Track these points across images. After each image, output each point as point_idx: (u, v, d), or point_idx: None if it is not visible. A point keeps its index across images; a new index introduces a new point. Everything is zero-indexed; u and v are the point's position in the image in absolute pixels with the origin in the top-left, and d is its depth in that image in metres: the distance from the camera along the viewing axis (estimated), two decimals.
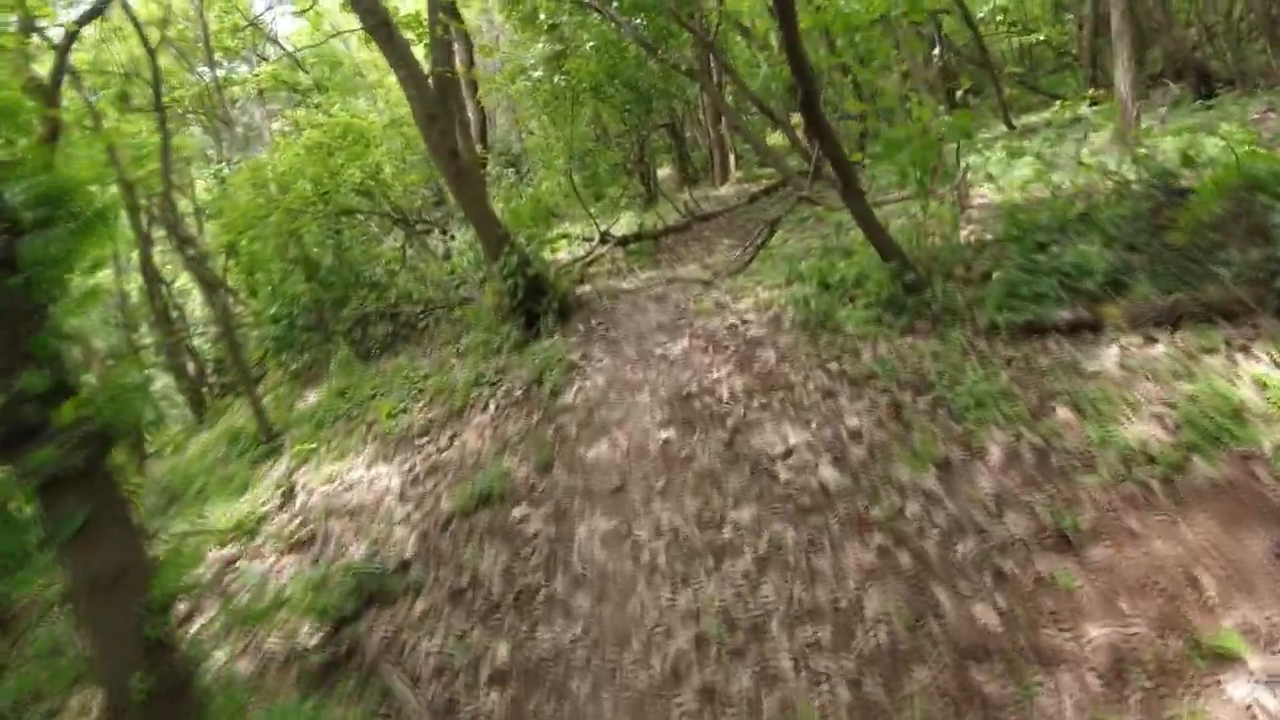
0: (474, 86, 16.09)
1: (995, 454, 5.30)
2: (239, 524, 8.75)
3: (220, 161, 19.02)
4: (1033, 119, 18.17)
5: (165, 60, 21.11)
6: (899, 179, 8.27)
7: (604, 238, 16.92)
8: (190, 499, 10.82)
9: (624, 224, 20.18)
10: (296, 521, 8.24)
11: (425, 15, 10.10)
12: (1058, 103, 18.90)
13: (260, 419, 11.61)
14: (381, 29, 8.91)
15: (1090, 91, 17.34)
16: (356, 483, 8.34)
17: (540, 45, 14.69)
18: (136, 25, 11.17)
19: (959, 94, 17.60)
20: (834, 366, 6.81)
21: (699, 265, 13.59)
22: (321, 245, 15.17)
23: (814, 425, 6.04)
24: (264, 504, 9.14)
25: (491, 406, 8.38)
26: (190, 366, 17.16)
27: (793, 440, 5.94)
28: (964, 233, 8.58)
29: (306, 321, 14.16)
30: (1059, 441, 5.27)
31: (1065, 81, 21.47)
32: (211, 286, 13.46)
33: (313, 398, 13.28)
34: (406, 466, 8.08)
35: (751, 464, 5.83)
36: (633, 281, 13.26)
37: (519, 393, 8.32)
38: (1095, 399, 5.55)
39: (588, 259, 16.14)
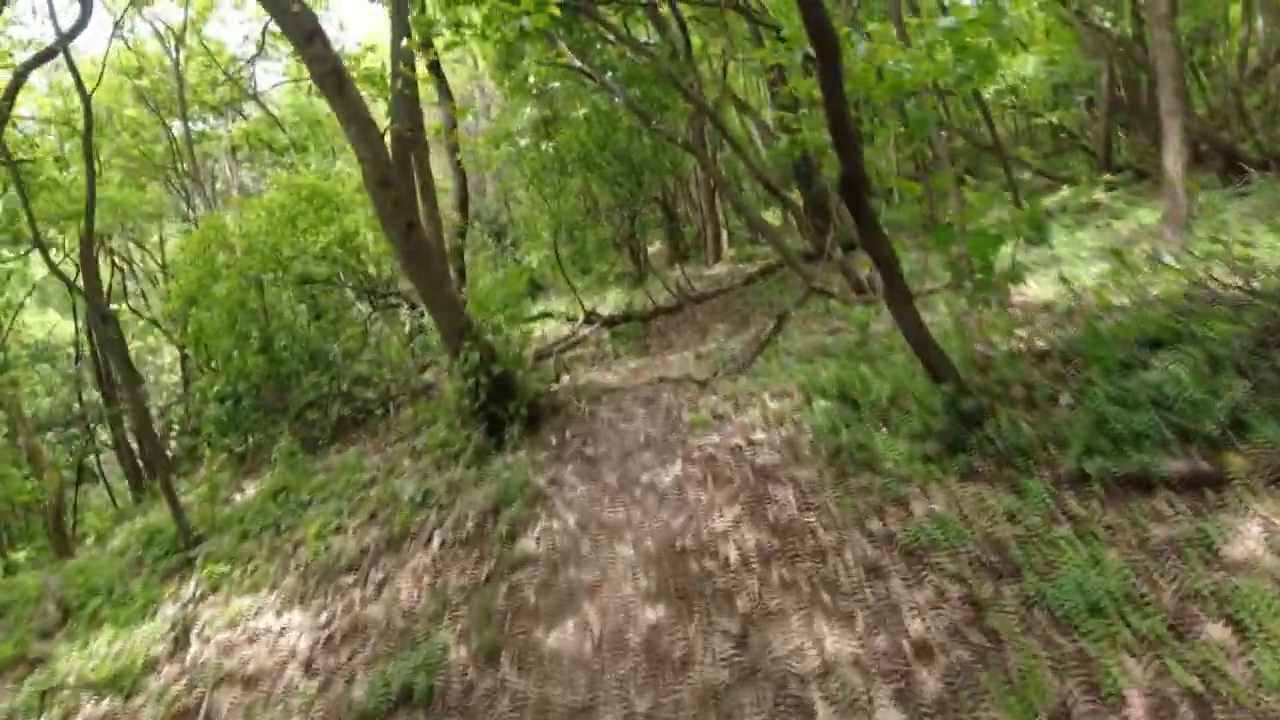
0: (455, 150, 14.56)
1: (1136, 703, 3.49)
2: (117, 675, 6.79)
3: (190, 221, 17.32)
4: (1042, 203, 16.79)
5: (137, 113, 19.62)
6: (949, 273, 6.60)
7: (589, 317, 15.24)
8: (83, 620, 8.81)
9: (611, 302, 18.56)
10: (183, 682, 6.30)
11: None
12: (1065, 187, 17.64)
13: (179, 521, 9.66)
14: (330, 78, 7.28)
15: (1105, 175, 15.98)
16: (262, 634, 6.42)
17: (528, 110, 13.20)
18: (74, 73, 9.47)
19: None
20: (877, 525, 5.02)
21: (692, 354, 11.91)
22: (278, 317, 13.41)
23: (860, 626, 4.21)
24: (157, 644, 7.19)
25: (436, 541, 6.53)
26: (133, 441, 15.18)
27: (831, 648, 4.11)
28: (1012, 340, 6.91)
29: (254, 401, 12.30)
30: (1221, 683, 3.48)
31: (1067, 164, 20.21)
32: (130, 369, 11.57)
33: (252, 490, 11.39)
34: (323, 619, 6.19)
35: (775, 686, 3.98)
36: (618, 372, 11.53)
37: (470, 525, 6.48)
38: (1255, 608, 3.78)
39: (569, 342, 14.42)
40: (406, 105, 8.32)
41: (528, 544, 5.86)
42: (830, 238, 10.67)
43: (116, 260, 18.00)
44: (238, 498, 11.56)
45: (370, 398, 11.55)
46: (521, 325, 9.33)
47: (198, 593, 8.19)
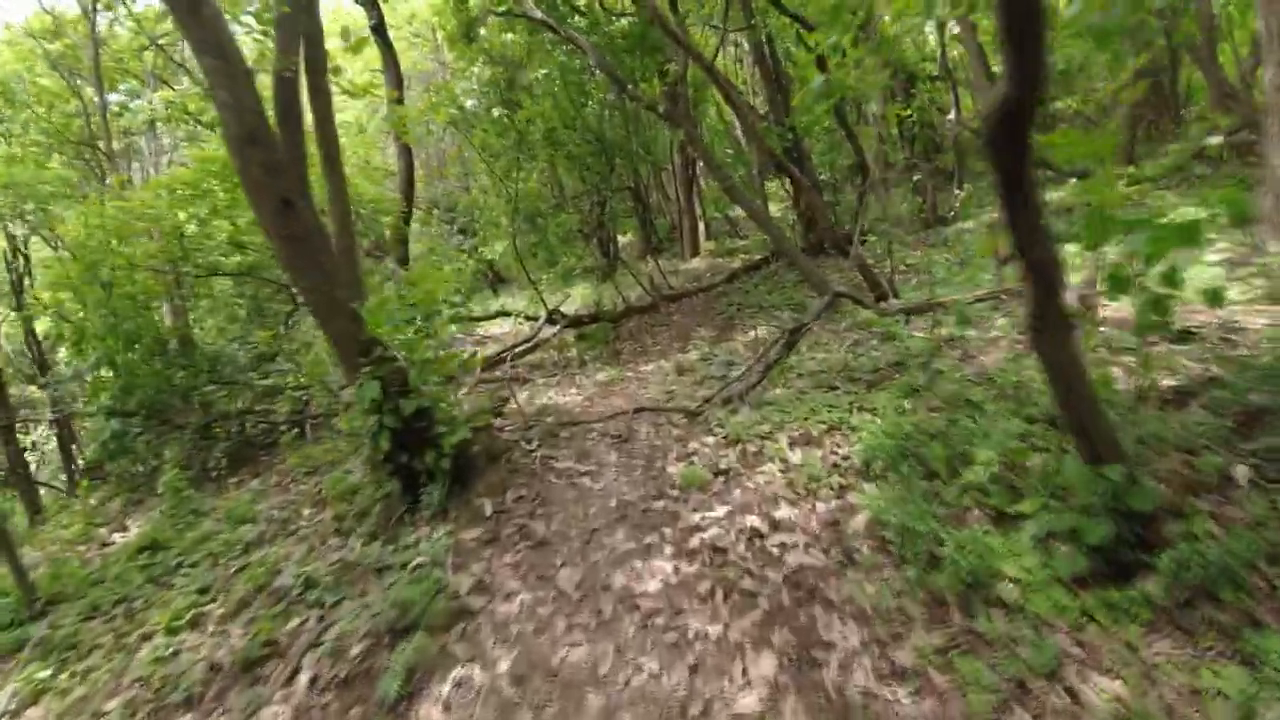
0: (403, 128, 12.07)
1: None
2: None
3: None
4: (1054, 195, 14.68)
5: (52, 82, 16.78)
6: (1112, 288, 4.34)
7: (552, 317, 12.84)
8: None
9: (578, 298, 16.13)
10: None
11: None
12: (1074, 179, 15.60)
13: (20, 584, 7.17)
14: None
15: (1129, 169, 13.90)
16: None
17: (477, 69, 10.73)
18: None
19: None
20: None
21: (671, 365, 9.59)
22: (180, 316, 10.87)
23: None
24: None
25: (304, 675, 4.14)
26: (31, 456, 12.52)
27: None
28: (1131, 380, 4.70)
29: (146, 418, 9.78)
30: None
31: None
32: None
33: (134, 533, 8.93)
34: None
35: None
36: (583, 386, 9.18)
37: (355, 652, 4.11)
38: None
39: (528, 345, 12.02)
40: (293, 31, 5.84)
41: (430, 714, 3.49)
42: (859, 228, 8.39)
43: (20, 248, 15.31)
44: (117, 539, 9.08)
45: (280, 417, 9.08)
46: (446, 338, 6.95)
47: (11, 705, 5.77)
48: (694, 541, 4.35)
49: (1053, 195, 13.62)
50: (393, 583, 4.53)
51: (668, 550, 4.35)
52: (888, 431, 4.68)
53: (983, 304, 7.34)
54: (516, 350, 11.99)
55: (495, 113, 10.73)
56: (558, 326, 12.58)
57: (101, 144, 15.36)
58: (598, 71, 13.01)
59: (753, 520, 4.41)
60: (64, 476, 13.13)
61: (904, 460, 4.37)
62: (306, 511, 6.87)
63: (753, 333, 10.37)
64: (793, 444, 5.31)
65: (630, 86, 9.30)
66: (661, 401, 7.76)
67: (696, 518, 4.61)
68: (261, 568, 5.79)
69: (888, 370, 6.27)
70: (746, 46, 18.84)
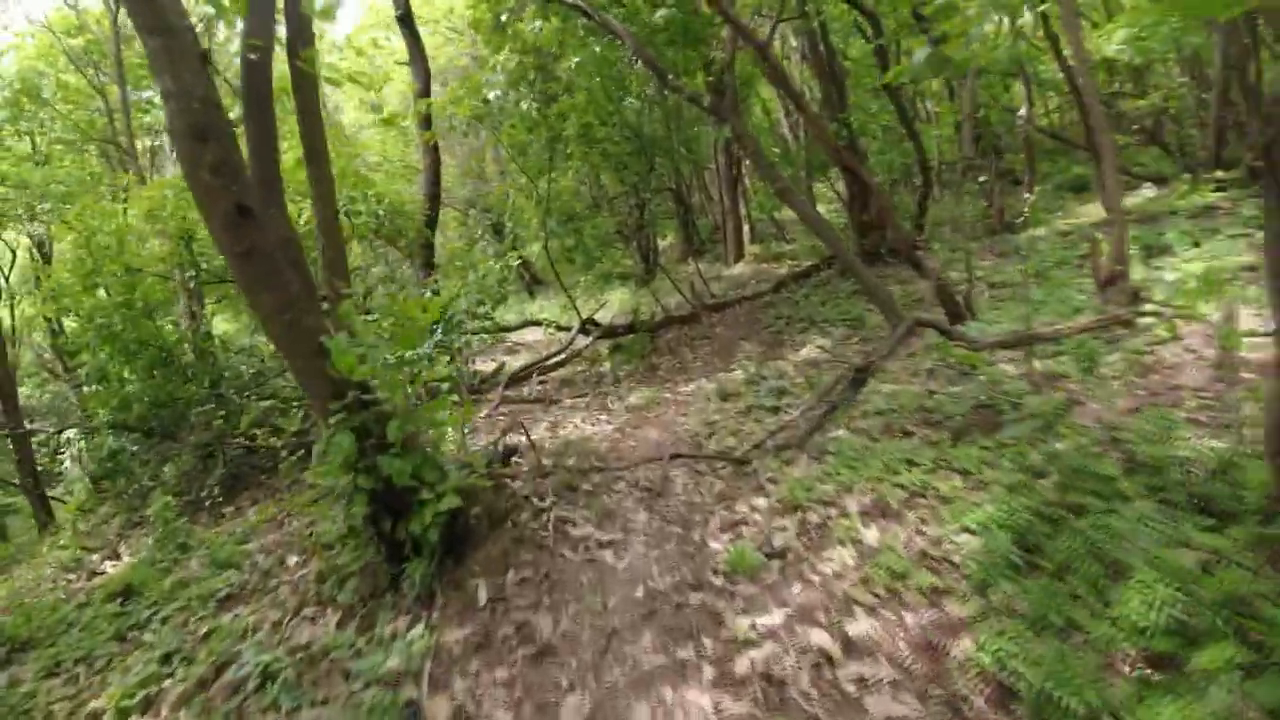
0: (425, 121, 11.10)
1: None
2: None
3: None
4: (1129, 202, 13.21)
5: (74, 78, 16.15)
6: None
7: (585, 327, 11.81)
8: None
9: (615, 304, 15.07)
10: None
11: None
12: (1147, 185, 14.09)
13: None
14: None
15: (1215, 173, 12.38)
16: None
17: (503, 56, 9.68)
18: None
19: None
20: None
21: (714, 386, 8.52)
22: (194, 323, 10.04)
23: None
24: None
25: None
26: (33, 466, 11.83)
27: None
28: None
29: (145, 436, 8.95)
30: None
31: (1137, 160, 16.56)
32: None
33: (125, 562, 8.11)
34: None
35: None
36: (613, 411, 8.12)
37: None
38: None
39: (558, 359, 11.01)
40: (268, 8, 4.84)
41: None
42: (920, 240, 7.19)
43: (35, 249, 14.70)
44: (107, 567, 8.27)
45: (282, 439, 8.16)
46: (446, 372, 5.92)
47: None
48: (742, 664, 3.26)
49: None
50: (355, 693, 3.51)
51: (707, 673, 3.26)
52: (999, 519, 3.52)
53: (1081, 334, 6.10)
54: (546, 364, 10.98)
55: (524, 106, 9.71)
56: (591, 337, 11.56)
57: (124, 140, 14.66)
58: (637, 63, 11.92)
59: (819, 637, 3.30)
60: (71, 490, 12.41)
61: (1024, 568, 3.22)
62: (292, 561, 5.91)
63: (804, 350, 9.20)
64: (865, 516, 4.18)
65: (672, 78, 8.19)
66: (702, 435, 6.67)
67: (745, 624, 3.50)
68: (228, 637, 4.85)
69: (976, 415, 5.09)
70: (794, 43, 17.61)
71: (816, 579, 3.75)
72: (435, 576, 4.14)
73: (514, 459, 5.71)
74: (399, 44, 13.60)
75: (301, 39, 5.45)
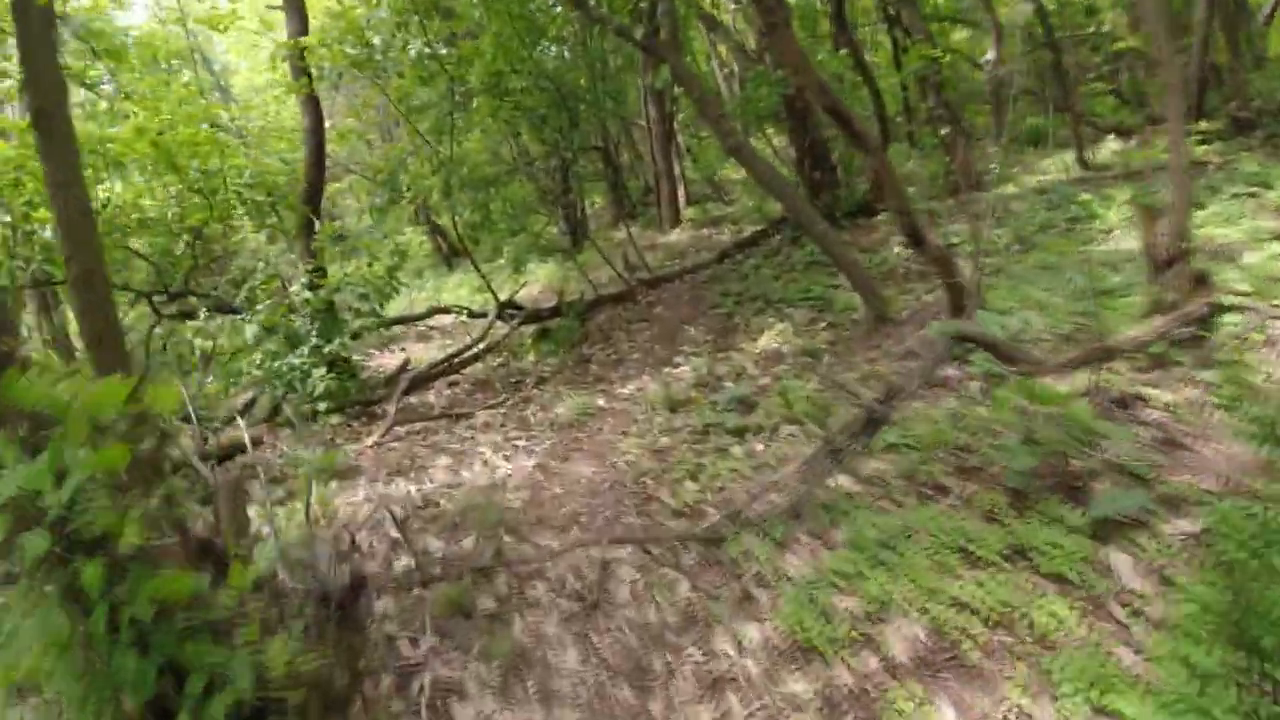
0: (301, 70, 8.90)
1: None
2: None
3: None
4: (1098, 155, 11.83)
5: None
6: None
7: (503, 311, 9.95)
8: None
9: (540, 280, 13.16)
10: None
11: None
12: (1112, 137, 12.77)
13: None
14: None
15: (1200, 124, 11.00)
16: None
17: None
18: None
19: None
20: None
21: (659, 386, 6.84)
22: None
23: None
24: None
25: None
26: None
27: None
28: None
29: None
30: None
31: (1093, 109, 15.26)
32: None
33: None
34: None
35: None
36: (536, 435, 6.35)
37: None
38: None
39: (470, 352, 9.16)
40: None
41: None
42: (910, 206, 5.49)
43: None
44: None
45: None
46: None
47: None
48: None
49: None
50: None
51: None
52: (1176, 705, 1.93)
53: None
54: (457, 359, 9.09)
55: (413, 52, 7.66)
56: (511, 324, 9.69)
57: None
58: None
59: None
60: None
61: None
62: None
63: (762, 339, 7.55)
64: (925, 676, 2.54)
65: (594, 6, 6.32)
66: (650, 476, 4.96)
67: None
68: None
69: (1048, 465, 3.47)
70: None
71: None
72: None
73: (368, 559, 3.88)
74: None
75: None
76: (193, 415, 5.98)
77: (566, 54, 11.40)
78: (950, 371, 4.83)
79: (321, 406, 6.96)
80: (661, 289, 10.78)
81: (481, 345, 9.31)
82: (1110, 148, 12.27)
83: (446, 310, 10.11)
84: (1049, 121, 15.22)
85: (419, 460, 6.00)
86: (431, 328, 12.59)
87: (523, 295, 11.20)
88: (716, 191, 16.61)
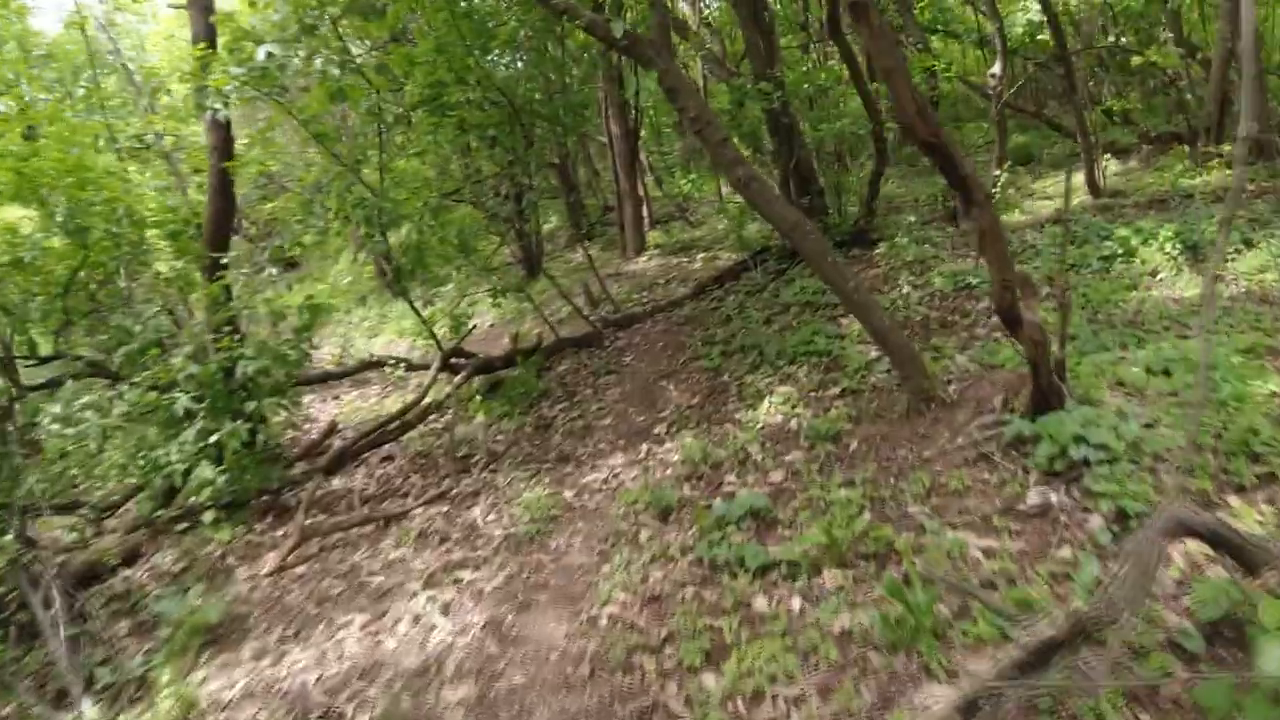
0: (201, 89, 7.13)
1: None
2: None
3: None
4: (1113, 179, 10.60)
5: None
6: None
7: (448, 360, 8.34)
8: None
9: (491, 315, 11.53)
10: None
11: None
12: (1109, 158, 11.55)
13: None
14: None
15: (1219, 147, 9.84)
16: None
17: None
18: None
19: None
20: None
21: (643, 488, 5.32)
22: None
23: None
24: None
25: None
26: None
27: None
28: None
29: None
30: None
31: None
32: None
33: None
34: None
35: None
36: (480, 571, 4.80)
37: None
38: None
39: (412, 412, 7.58)
40: None
41: None
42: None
43: None
44: None
45: None
46: None
47: None
48: None
49: None
50: None
51: None
52: None
53: None
54: (391, 428, 7.44)
55: (319, 63, 5.97)
56: (459, 376, 8.06)
57: None
58: None
59: None
60: None
61: None
62: None
63: (764, 407, 6.11)
64: None
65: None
66: (650, 649, 3.46)
67: None
68: None
69: None
70: None
71: None
72: None
73: None
74: None
75: None
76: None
77: (520, 63, 9.82)
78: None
79: (207, 518, 5.29)
80: (631, 330, 9.27)
81: (421, 405, 7.69)
82: (1110, 169, 11.12)
83: (380, 364, 8.43)
84: (1039, 139, 14.14)
85: (327, 607, 4.38)
86: (377, 361, 10.87)
87: (471, 335, 9.59)
88: (681, 212, 15.14)
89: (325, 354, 13.06)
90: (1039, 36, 12.42)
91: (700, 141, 5.59)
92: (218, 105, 6.69)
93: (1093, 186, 9.65)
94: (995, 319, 6.69)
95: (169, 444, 5.43)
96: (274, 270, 7.65)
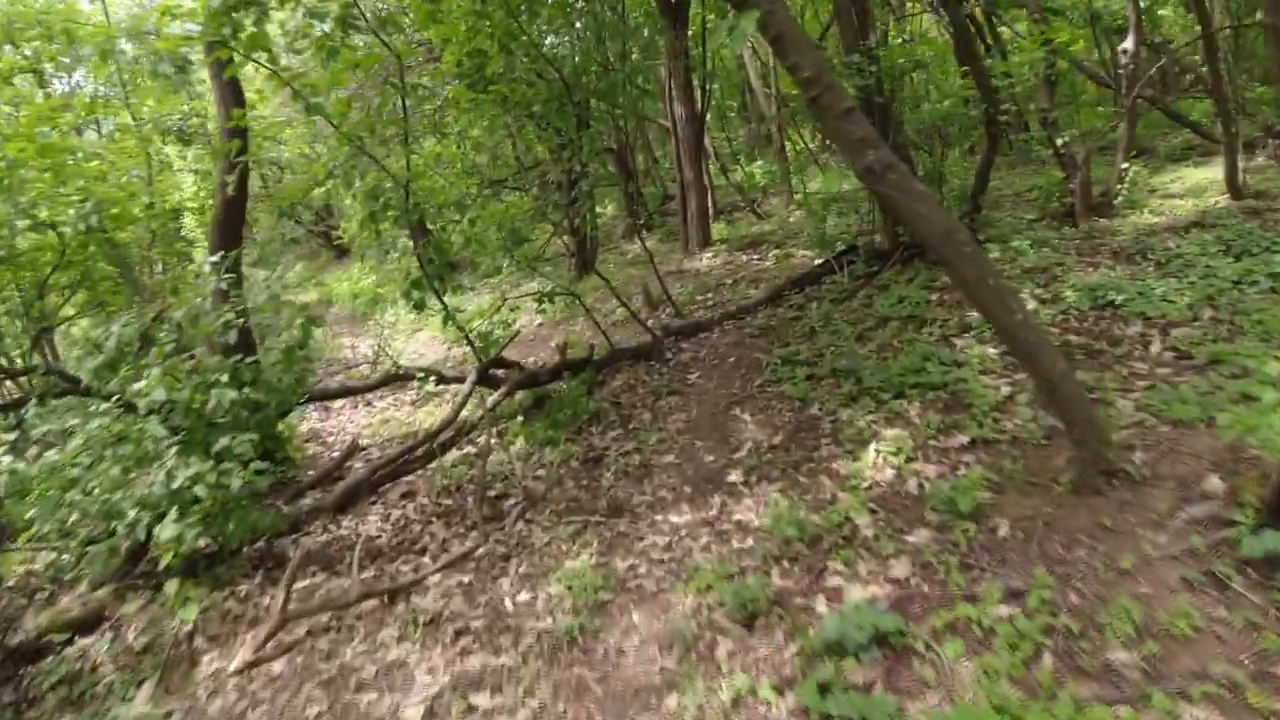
0: (219, 68, 6.09)
1: None
2: None
3: None
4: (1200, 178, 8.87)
5: None
6: None
7: (485, 375, 7.16)
8: None
9: (541, 317, 10.33)
10: None
11: None
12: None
13: None
14: None
15: None
16: None
17: None
18: None
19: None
20: None
21: (717, 566, 4.03)
22: None
23: None
24: None
25: None
26: None
27: None
28: None
29: None
30: None
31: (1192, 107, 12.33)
32: None
33: None
34: None
35: None
36: (518, 663, 3.53)
37: None
38: None
39: (440, 437, 6.41)
40: None
41: None
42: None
43: None
44: None
45: None
46: None
47: None
48: None
49: None
50: None
51: None
52: None
53: None
54: (413, 458, 6.30)
55: (301, 15, 4.76)
56: (496, 394, 6.86)
57: None
58: None
59: None
60: None
61: None
62: None
63: (869, 452, 4.79)
64: None
65: None
66: None
67: None
68: None
69: None
70: None
71: None
72: None
73: None
74: None
75: None
76: None
77: (577, 35, 8.55)
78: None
79: (170, 589, 4.18)
80: (696, 341, 7.96)
81: (452, 428, 6.52)
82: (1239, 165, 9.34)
83: (408, 377, 7.27)
84: (1148, 128, 12.37)
85: None
86: (410, 369, 9.75)
87: (516, 338, 8.41)
88: (748, 202, 13.71)
89: (364, 351, 12.07)
90: (1160, 12, 10.72)
91: (814, 113, 4.28)
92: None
93: (1233, 187, 7.97)
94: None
95: (130, 487, 4.34)
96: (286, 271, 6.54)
